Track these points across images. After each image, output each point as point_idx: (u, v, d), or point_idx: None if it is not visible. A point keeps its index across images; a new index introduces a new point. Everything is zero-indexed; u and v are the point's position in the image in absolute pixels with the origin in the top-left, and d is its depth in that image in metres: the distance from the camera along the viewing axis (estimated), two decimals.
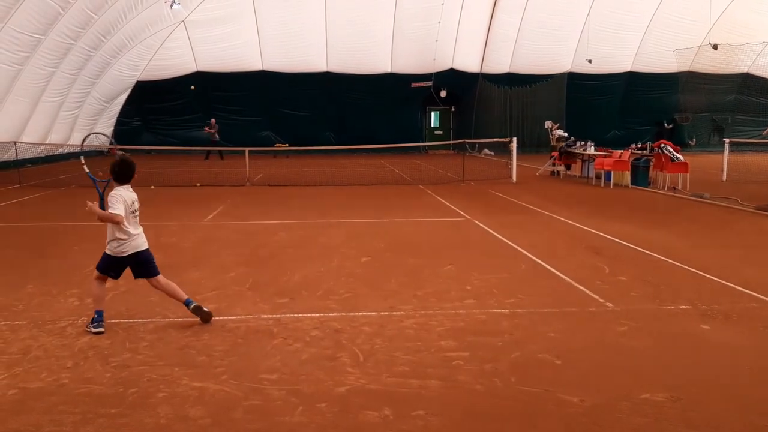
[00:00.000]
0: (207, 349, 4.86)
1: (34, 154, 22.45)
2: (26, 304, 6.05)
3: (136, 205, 5.39)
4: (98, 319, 5.28)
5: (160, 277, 5.49)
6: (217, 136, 27.08)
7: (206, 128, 27.48)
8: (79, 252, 8.42)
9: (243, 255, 8.18)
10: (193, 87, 30.43)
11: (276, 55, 29.98)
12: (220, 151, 26.97)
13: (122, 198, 5.21)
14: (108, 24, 23.06)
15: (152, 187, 16.41)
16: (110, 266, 5.37)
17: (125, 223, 5.21)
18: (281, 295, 6.33)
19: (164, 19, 26.24)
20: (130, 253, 5.30)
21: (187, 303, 5.44)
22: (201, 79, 30.32)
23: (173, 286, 5.53)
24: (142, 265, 5.42)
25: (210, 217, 11.57)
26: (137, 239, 5.34)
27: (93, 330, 5.22)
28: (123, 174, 5.34)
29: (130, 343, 4.99)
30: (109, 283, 6.70)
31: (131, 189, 5.39)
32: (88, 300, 6.11)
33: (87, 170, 5.90)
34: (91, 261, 7.76)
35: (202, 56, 29.50)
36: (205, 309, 5.46)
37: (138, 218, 5.41)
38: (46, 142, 23.00)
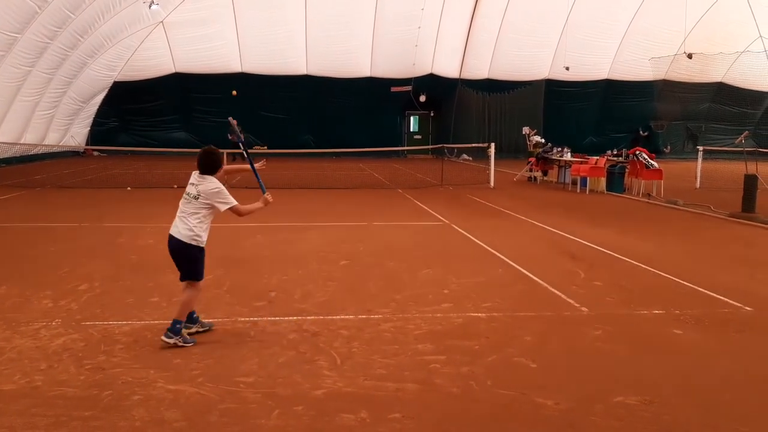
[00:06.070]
0: (183, 351, 4.82)
1: (8, 154, 22.09)
2: None
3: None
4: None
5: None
6: (237, 136, 25.95)
7: (230, 135, 26.42)
8: (54, 253, 8.31)
9: (220, 258, 8.12)
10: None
11: (255, 58, 29.85)
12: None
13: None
14: (85, 23, 22.81)
15: (128, 188, 16.26)
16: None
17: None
18: (259, 298, 6.31)
19: (142, 20, 26.04)
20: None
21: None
22: (179, 80, 30.07)
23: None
24: None
25: None
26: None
27: None
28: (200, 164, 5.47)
29: (106, 345, 4.93)
30: (85, 284, 6.70)
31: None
32: (62, 302, 6.04)
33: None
34: (65, 262, 7.72)
35: (180, 57, 29.27)
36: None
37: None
38: (21, 142, 22.66)
